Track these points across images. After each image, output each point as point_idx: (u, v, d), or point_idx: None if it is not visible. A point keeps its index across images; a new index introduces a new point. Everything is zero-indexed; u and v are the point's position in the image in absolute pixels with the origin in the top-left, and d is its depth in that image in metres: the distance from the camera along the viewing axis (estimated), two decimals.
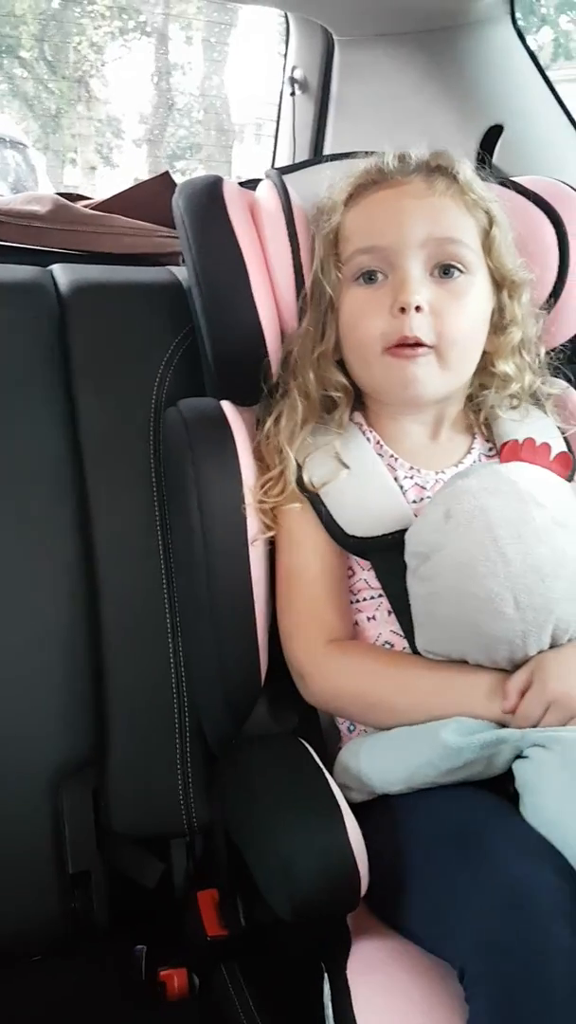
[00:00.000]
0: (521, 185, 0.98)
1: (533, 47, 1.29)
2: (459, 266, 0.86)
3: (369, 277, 0.87)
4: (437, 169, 0.88)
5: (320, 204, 0.92)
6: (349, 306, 0.88)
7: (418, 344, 0.85)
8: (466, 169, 0.88)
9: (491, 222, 0.88)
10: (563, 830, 0.68)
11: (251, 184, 0.99)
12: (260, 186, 0.96)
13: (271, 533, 0.89)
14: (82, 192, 1.33)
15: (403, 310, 0.84)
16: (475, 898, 0.65)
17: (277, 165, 1.59)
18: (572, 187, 0.99)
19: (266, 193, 0.94)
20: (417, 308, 0.84)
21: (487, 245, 0.88)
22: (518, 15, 1.30)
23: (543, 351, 0.96)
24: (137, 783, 0.94)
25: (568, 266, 0.95)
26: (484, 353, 0.91)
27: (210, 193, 0.92)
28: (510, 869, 0.65)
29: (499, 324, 0.91)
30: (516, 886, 0.64)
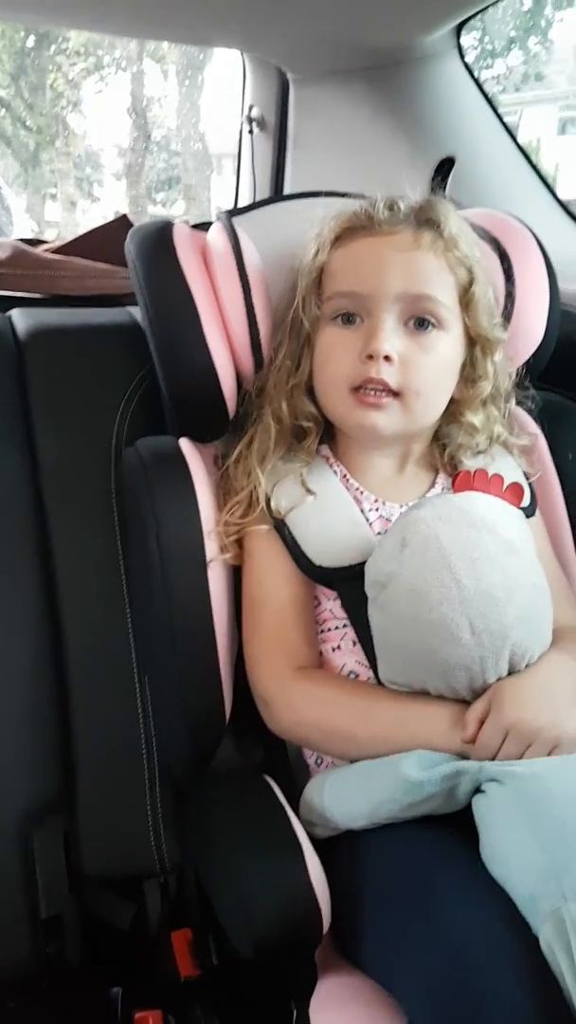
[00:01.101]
0: (467, 219, 0.99)
1: (502, 69, 1.33)
2: (433, 320, 0.88)
3: (347, 319, 0.89)
4: (426, 223, 0.89)
5: (307, 240, 0.93)
6: (324, 343, 0.90)
7: (385, 390, 0.86)
8: (453, 224, 0.89)
9: (472, 281, 0.89)
10: (510, 868, 0.68)
11: (204, 227, 1.00)
12: (211, 229, 0.97)
13: (228, 555, 0.90)
14: (63, 226, 1.35)
15: (371, 357, 0.86)
16: (418, 945, 0.65)
17: (241, 201, 1.63)
18: (518, 219, 1.01)
19: (216, 235, 0.95)
20: (386, 358, 0.85)
21: (465, 302, 0.90)
22: (486, 39, 1.34)
23: (513, 403, 0.98)
24: (107, 825, 0.93)
25: (514, 298, 0.96)
26: (454, 402, 0.93)
27: (160, 237, 0.93)
28: (452, 916, 0.66)
29: (470, 377, 0.93)
30: (457, 934, 0.64)
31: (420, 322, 0.88)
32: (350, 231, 0.90)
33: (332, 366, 0.89)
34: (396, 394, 0.87)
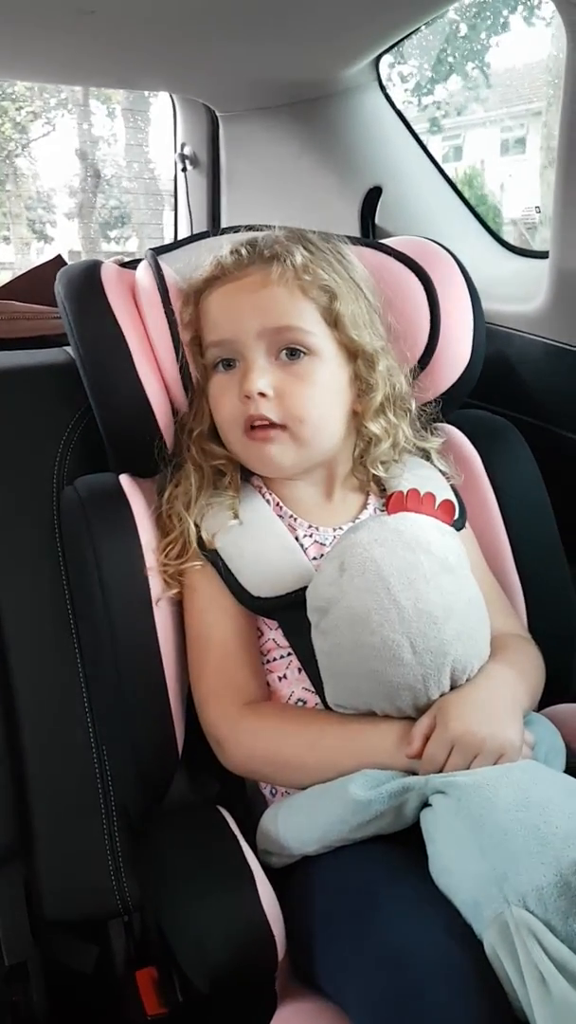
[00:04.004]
0: (390, 247, 1.02)
1: (443, 94, 1.37)
2: (301, 348, 0.90)
3: (227, 364, 0.91)
4: (272, 258, 0.90)
5: (183, 295, 0.95)
6: (212, 390, 0.93)
7: (271, 425, 0.89)
8: (297, 254, 0.90)
9: (332, 298, 0.91)
10: (454, 877, 0.69)
11: (135, 264, 1.02)
12: (139, 267, 0.99)
13: (174, 591, 0.91)
14: (18, 267, 1.35)
15: (248, 396, 0.88)
16: (361, 960, 0.66)
17: (179, 237, 1.65)
18: (440, 245, 1.03)
19: (143, 273, 0.97)
20: (261, 394, 0.88)
21: (331, 321, 0.91)
22: (426, 66, 1.38)
23: (414, 405, 0.99)
24: (67, 869, 0.92)
25: (439, 323, 0.99)
26: (356, 414, 0.95)
27: (88, 278, 0.94)
28: (393, 930, 0.66)
29: (361, 389, 0.94)
30: (397, 947, 0.65)
31: (291, 352, 0.89)
32: (207, 283, 0.93)
33: (222, 411, 0.92)
34: (283, 427, 0.89)
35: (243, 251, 0.92)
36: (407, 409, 0.98)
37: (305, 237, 0.93)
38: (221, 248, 0.94)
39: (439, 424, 1.03)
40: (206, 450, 0.94)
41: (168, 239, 1.74)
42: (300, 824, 0.81)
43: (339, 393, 0.93)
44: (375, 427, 0.95)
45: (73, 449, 1.00)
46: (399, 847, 0.76)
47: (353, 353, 0.93)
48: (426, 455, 1.01)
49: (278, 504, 0.95)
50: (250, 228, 0.98)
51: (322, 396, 0.91)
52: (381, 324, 0.96)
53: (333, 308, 0.90)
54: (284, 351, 0.89)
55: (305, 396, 0.89)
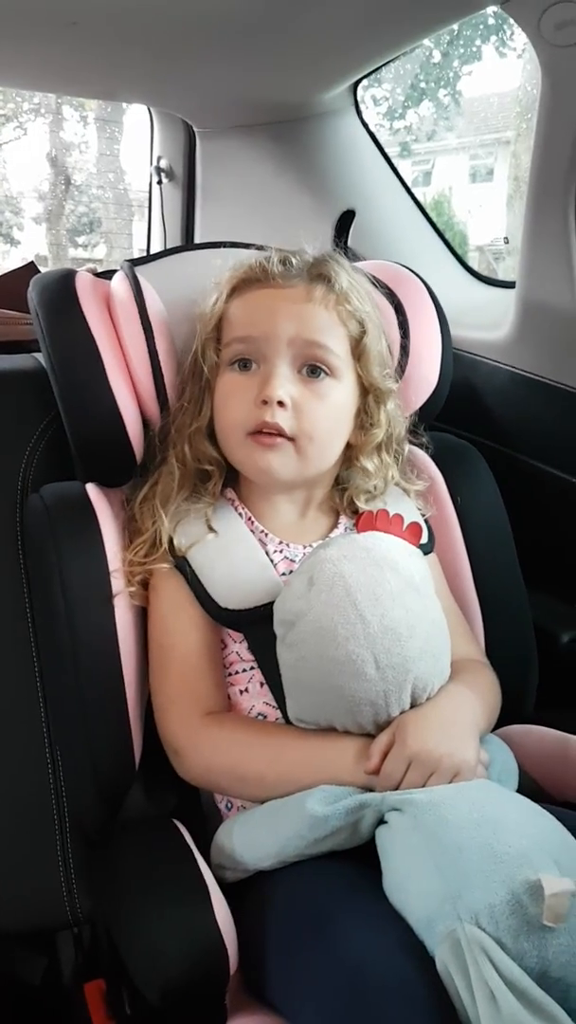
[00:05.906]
0: (362, 271, 1.03)
1: (414, 119, 1.39)
2: (325, 368, 0.91)
3: (244, 364, 0.92)
4: (318, 277, 0.92)
5: (207, 289, 0.96)
6: (222, 388, 0.93)
7: (279, 434, 0.89)
8: (344, 279, 0.93)
9: (363, 333, 0.93)
10: (408, 894, 0.70)
11: (109, 275, 1.02)
12: (114, 277, 0.99)
13: (132, 588, 0.91)
14: None
15: (266, 402, 0.88)
16: (314, 975, 0.66)
17: (154, 250, 1.66)
18: (410, 270, 1.06)
19: (119, 284, 0.97)
20: (280, 403, 0.88)
21: (357, 353, 0.93)
22: (398, 91, 1.40)
23: (406, 449, 1.01)
24: (16, 878, 0.92)
25: (409, 344, 1.01)
26: (351, 447, 0.96)
27: (63, 286, 0.94)
28: (350, 946, 0.67)
29: (364, 424, 0.96)
30: (353, 964, 0.65)
31: (313, 370, 0.91)
32: (246, 282, 0.94)
33: (230, 411, 0.92)
34: (290, 439, 0.89)
35: (293, 261, 0.93)
36: (399, 453, 1.00)
37: (344, 266, 0.95)
38: (198, 262, 0.95)
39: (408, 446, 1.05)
40: (198, 449, 0.94)
41: (138, 248, 1.74)
42: (256, 839, 0.82)
43: (346, 421, 0.94)
44: (368, 463, 0.97)
45: (39, 456, 1.00)
46: (354, 863, 0.77)
47: (366, 388, 0.95)
48: (405, 491, 1.02)
49: (250, 519, 0.96)
50: (232, 245, 0.99)
51: (334, 419, 0.92)
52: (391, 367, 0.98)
53: (362, 341, 0.93)
54: (306, 367, 0.90)
55: (320, 414, 0.90)
